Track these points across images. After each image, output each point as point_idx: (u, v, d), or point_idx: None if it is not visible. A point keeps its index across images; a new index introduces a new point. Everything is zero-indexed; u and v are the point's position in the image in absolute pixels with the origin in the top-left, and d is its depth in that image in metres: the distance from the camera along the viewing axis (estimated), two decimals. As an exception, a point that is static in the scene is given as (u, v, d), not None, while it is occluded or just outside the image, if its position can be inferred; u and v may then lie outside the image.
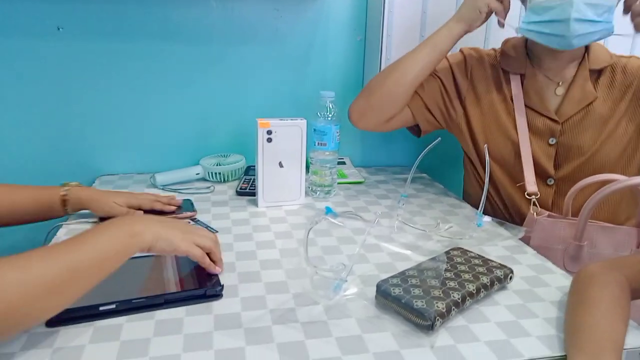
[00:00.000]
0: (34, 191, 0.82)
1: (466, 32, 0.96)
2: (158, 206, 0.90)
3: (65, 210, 0.83)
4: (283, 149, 0.95)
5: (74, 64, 1.09)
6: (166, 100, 1.16)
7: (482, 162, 1.00)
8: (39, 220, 0.83)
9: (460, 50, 1.04)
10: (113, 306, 0.58)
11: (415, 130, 1.09)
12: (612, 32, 0.84)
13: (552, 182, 0.94)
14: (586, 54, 0.93)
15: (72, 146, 1.14)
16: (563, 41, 0.85)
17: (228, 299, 0.64)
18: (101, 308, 0.58)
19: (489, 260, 0.72)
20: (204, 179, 1.13)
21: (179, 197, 1.00)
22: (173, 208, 0.91)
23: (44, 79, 1.09)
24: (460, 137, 1.04)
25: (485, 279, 0.67)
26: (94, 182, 1.11)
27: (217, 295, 0.64)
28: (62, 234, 0.83)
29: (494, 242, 0.85)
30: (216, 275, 0.68)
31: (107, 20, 1.08)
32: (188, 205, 0.95)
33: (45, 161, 1.13)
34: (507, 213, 1.00)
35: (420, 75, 0.97)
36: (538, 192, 0.91)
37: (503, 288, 0.70)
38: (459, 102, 1.01)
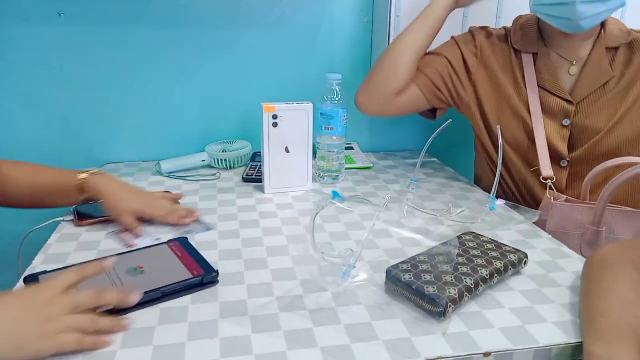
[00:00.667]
0: (55, 173, 0.79)
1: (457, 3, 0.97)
2: (173, 220, 0.80)
3: (81, 197, 0.79)
4: (289, 134, 0.93)
5: (77, 50, 1.07)
6: (171, 86, 1.14)
7: (495, 145, 0.97)
8: (58, 205, 0.80)
9: (469, 30, 1.01)
10: (110, 306, 0.56)
11: (429, 114, 1.06)
12: (625, 4, 0.81)
13: (566, 163, 0.91)
14: (602, 31, 0.89)
15: (77, 134, 1.13)
16: (571, 24, 0.82)
17: (234, 286, 0.63)
18: (97, 310, 0.55)
19: (503, 244, 0.70)
20: (209, 166, 1.11)
21: (185, 185, 0.98)
22: (189, 221, 0.80)
23: (46, 66, 1.07)
24: (471, 118, 1.01)
25: (498, 264, 0.64)
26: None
27: (214, 282, 0.62)
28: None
29: (508, 226, 0.82)
30: (206, 261, 0.66)
31: (109, 5, 1.06)
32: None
33: (51, 149, 1.12)
34: (521, 197, 0.97)
35: (416, 44, 0.96)
36: (554, 176, 0.87)
37: (517, 273, 0.68)
38: (468, 80, 0.97)
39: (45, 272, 0.64)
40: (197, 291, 0.61)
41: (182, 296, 0.60)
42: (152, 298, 0.58)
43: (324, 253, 0.64)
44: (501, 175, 0.99)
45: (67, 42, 1.07)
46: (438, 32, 0.98)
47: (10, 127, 1.10)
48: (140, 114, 1.14)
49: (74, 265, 0.63)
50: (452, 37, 1.01)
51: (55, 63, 1.07)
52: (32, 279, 0.62)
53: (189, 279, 0.61)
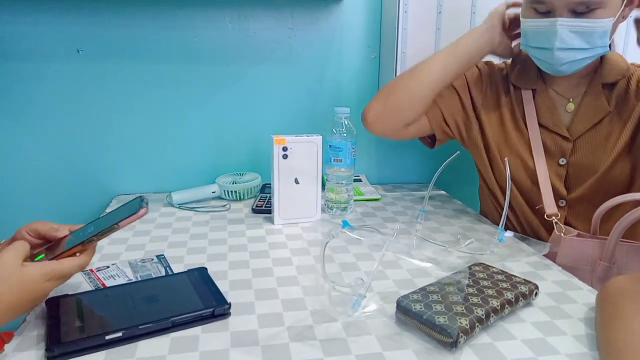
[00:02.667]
0: None
1: (491, 49, 0.94)
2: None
3: None
4: (299, 166, 0.95)
5: (92, 85, 1.11)
6: (183, 119, 1.17)
7: (498, 182, 0.98)
8: None
9: (476, 65, 1.03)
10: (120, 334, 0.56)
11: (428, 141, 1.08)
12: (607, 50, 0.82)
13: (564, 203, 0.90)
14: (600, 66, 0.88)
15: (89, 166, 1.15)
16: (552, 68, 0.84)
17: (244, 316, 0.63)
18: (107, 337, 0.56)
19: (513, 275, 0.70)
20: (220, 197, 1.12)
21: (196, 215, 1.00)
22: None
23: (62, 100, 1.11)
24: (476, 154, 1.02)
25: (509, 295, 0.64)
26: (111, 202, 1.12)
27: (225, 314, 0.62)
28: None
29: (517, 258, 0.82)
30: (220, 293, 0.66)
31: (125, 43, 1.10)
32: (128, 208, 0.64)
33: (63, 181, 1.15)
34: (526, 234, 0.97)
35: (441, 79, 0.94)
36: (558, 213, 0.87)
37: (528, 304, 0.67)
38: (475, 117, 0.99)
39: (66, 296, 0.64)
40: (208, 323, 0.61)
41: (192, 327, 0.60)
42: (162, 327, 0.59)
43: (334, 282, 0.65)
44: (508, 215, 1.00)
45: (83, 77, 1.10)
46: (466, 70, 0.97)
47: (25, 158, 1.13)
48: (152, 146, 1.17)
49: None
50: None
51: (71, 97, 1.11)
52: (53, 302, 0.63)
53: (200, 310, 0.61)
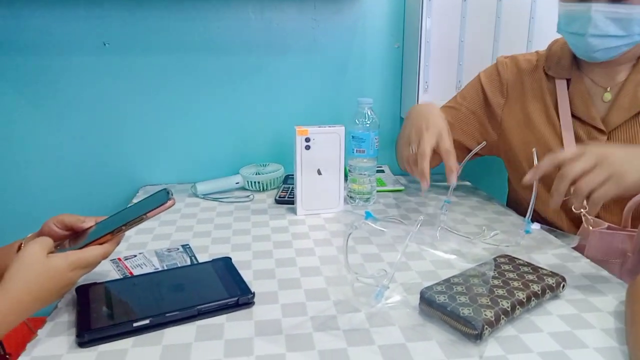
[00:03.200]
0: None
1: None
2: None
3: None
4: (321, 157, 0.94)
5: (118, 77, 1.13)
6: (207, 110, 1.18)
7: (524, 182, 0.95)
8: None
9: (496, 63, 1.00)
10: (147, 321, 0.57)
11: None
12: None
13: None
14: None
15: (115, 157, 1.18)
16: (586, 54, 0.81)
17: (268, 305, 0.64)
18: (135, 324, 0.57)
19: (540, 267, 0.69)
20: (243, 188, 1.13)
21: (220, 206, 1.01)
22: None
23: (88, 92, 1.13)
24: (501, 154, 1.00)
25: (535, 287, 0.63)
26: (137, 192, 1.14)
27: (249, 304, 0.63)
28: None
29: (544, 250, 0.81)
30: (244, 282, 0.66)
31: (149, 35, 1.11)
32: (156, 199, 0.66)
33: (89, 173, 1.17)
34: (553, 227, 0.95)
35: None
36: (587, 206, 0.84)
37: (555, 297, 0.66)
38: (496, 122, 0.97)
39: (95, 284, 0.66)
40: (233, 311, 0.62)
41: (217, 315, 0.61)
42: (188, 315, 0.60)
43: (357, 273, 0.64)
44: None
45: (109, 70, 1.12)
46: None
47: (51, 151, 1.16)
48: (177, 138, 1.19)
49: None
50: (478, 75, 1.01)
51: (97, 89, 1.13)
52: (83, 290, 0.65)
53: (225, 299, 0.62)
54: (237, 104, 1.19)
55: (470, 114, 0.99)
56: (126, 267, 0.75)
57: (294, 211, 0.98)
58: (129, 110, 1.15)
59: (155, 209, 0.63)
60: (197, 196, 1.08)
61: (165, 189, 0.66)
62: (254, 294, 0.64)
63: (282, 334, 0.58)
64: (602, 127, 0.85)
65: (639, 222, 0.77)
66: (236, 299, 0.62)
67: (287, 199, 1.03)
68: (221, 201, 1.05)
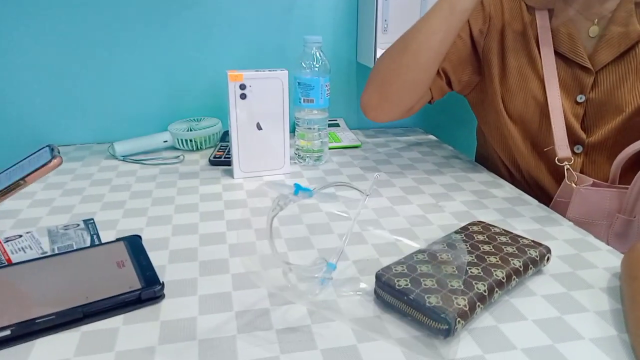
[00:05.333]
0: None
1: None
2: None
3: None
4: (261, 108, 0.79)
5: (17, 20, 0.91)
6: (127, 57, 0.98)
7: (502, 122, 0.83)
8: None
9: None
10: (7, 332, 0.42)
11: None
12: None
13: (581, 149, 0.76)
14: None
15: (20, 114, 0.97)
16: None
17: (182, 299, 0.49)
18: None
19: (519, 237, 0.57)
20: (173, 147, 0.96)
21: (142, 169, 0.84)
22: None
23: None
24: (475, 98, 0.87)
25: (516, 263, 0.51)
26: (44, 155, 0.95)
27: (156, 298, 0.49)
28: None
29: (520, 213, 0.69)
30: (152, 269, 0.52)
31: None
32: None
33: (-12, 132, 0.97)
34: (528, 185, 0.83)
35: (441, 49, 0.75)
36: (572, 158, 0.73)
37: (539, 272, 0.55)
38: (475, 59, 0.84)
39: None
40: (134, 310, 0.47)
41: (112, 316, 0.46)
42: (69, 319, 0.45)
43: (289, 264, 0.50)
44: (503, 161, 0.86)
45: (11, 19, 0.90)
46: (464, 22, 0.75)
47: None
48: (92, 90, 0.99)
49: None
50: None
51: (-12, 30, 0.92)
52: None
53: (121, 294, 0.47)
54: (162, 47, 0.99)
55: (458, 40, 0.83)
56: (5, 251, 0.58)
57: (230, 174, 0.83)
58: (31, 58, 0.94)
59: (35, 171, 0.46)
60: (116, 158, 0.90)
61: (49, 145, 0.49)
62: (162, 284, 0.49)
63: (194, 340, 0.44)
64: (589, 65, 0.73)
65: (628, 178, 0.66)
66: (138, 293, 0.48)
67: (223, 160, 0.88)
68: (144, 163, 0.88)
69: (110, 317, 0.46)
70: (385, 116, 0.83)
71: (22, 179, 0.46)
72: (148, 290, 0.48)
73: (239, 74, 0.76)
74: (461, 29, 0.80)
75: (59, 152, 0.48)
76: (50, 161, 0.46)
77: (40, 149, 0.50)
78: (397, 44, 0.79)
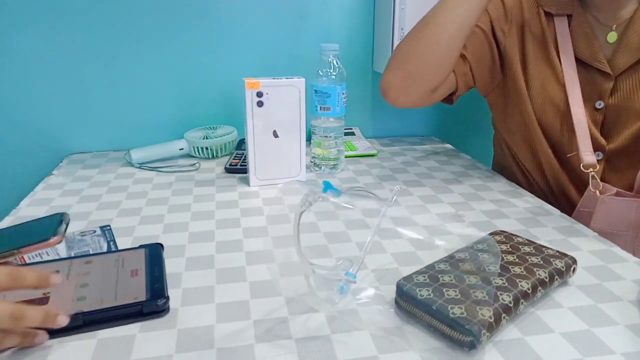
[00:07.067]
0: None
1: None
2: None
3: None
4: (278, 116, 0.78)
5: (36, 29, 0.93)
6: (143, 65, 0.99)
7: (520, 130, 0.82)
8: None
9: None
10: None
11: (446, 98, 0.89)
12: None
13: (601, 156, 0.74)
14: None
15: (38, 122, 0.98)
16: None
17: (200, 306, 0.49)
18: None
19: (544, 247, 0.55)
20: (189, 155, 0.96)
21: (158, 177, 0.84)
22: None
23: (3, 47, 0.93)
24: (496, 101, 0.86)
25: (542, 273, 0.50)
26: (61, 162, 0.95)
27: (160, 312, 0.47)
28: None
29: (542, 222, 0.68)
30: (162, 281, 0.50)
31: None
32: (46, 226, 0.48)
33: (6, 138, 0.98)
34: (551, 194, 0.82)
35: (464, 24, 0.73)
36: (597, 164, 0.71)
37: (564, 284, 0.53)
38: (499, 59, 0.82)
39: None
40: (136, 322, 0.46)
41: (115, 326, 0.46)
42: (70, 326, 0.44)
43: (313, 265, 0.50)
44: (525, 169, 0.84)
45: (28, 27, 0.92)
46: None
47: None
48: (109, 98, 1.00)
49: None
50: None
51: (15, 44, 0.93)
52: None
53: (122, 306, 0.46)
54: (179, 55, 1.00)
55: (480, 32, 0.82)
56: (21, 256, 0.58)
57: (246, 182, 0.82)
58: (49, 68, 0.95)
59: (32, 244, 0.45)
60: (132, 165, 0.91)
61: (62, 214, 0.48)
62: (167, 298, 0.48)
63: (212, 348, 0.43)
64: (609, 70, 0.72)
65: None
66: (139, 306, 0.46)
67: (239, 167, 0.87)
68: (160, 171, 0.88)
69: (113, 326, 0.45)
70: (407, 98, 0.79)
71: (17, 248, 0.45)
72: (151, 303, 0.47)
73: (256, 81, 0.76)
74: (483, 22, 0.80)
75: (66, 227, 0.47)
76: (48, 239, 0.45)
77: (53, 216, 0.49)
78: (419, 23, 0.77)
